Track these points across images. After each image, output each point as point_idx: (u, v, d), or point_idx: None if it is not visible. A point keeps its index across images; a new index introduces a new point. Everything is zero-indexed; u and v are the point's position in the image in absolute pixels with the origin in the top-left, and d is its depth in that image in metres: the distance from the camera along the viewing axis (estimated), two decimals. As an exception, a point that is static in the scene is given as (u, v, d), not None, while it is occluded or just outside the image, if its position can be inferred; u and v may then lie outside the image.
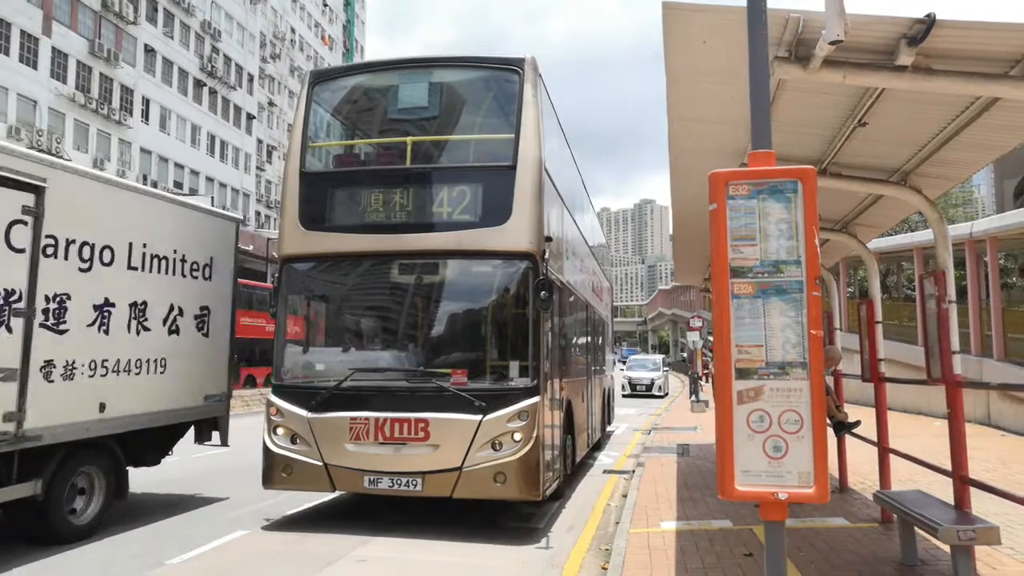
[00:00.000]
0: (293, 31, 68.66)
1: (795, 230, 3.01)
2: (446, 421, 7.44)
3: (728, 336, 3.03)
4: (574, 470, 10.47)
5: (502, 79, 8.49)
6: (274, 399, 8.06)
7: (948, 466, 5.31)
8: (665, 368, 38.76)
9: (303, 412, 7.80)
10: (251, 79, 59.76)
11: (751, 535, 6.69)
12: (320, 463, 7.68)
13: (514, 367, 7.73)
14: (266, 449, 7.98)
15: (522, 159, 7.80)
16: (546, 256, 7.77)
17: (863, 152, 5.97)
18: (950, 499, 5.33)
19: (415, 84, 8.59)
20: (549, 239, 8.01)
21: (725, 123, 5.71)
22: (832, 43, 3.69)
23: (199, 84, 52.54)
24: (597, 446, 14.41)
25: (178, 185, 49.65)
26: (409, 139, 8.38)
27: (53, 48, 39.47)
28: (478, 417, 7.38)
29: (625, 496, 9.12)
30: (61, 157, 37.94)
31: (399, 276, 8.29)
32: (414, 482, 7.45)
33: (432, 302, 8.34)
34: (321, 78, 9.20)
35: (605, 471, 11.99)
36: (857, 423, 8.02)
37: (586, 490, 10.30)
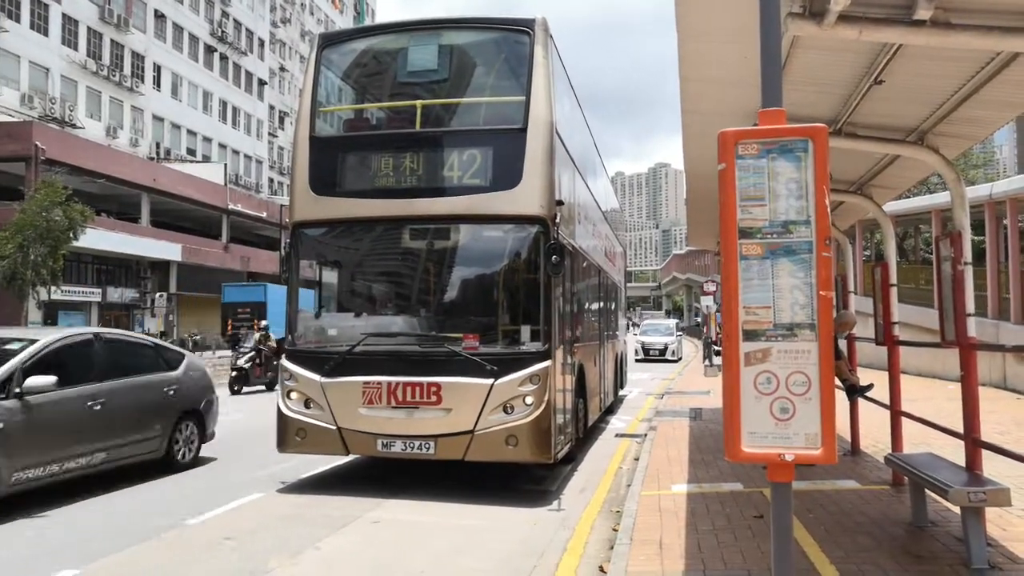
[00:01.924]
0: (303, -6, 67.93)
1: (805, 189, 2.96)
2: (458, 385, 7.46)
3: (736, 298, 3.00)
4: (586, 434, 10.53)
5: (512, 40, 8.39)
6: (288, 364, 8.12)
7: (961, 429, 5.29)
8: (679, 333, 38.75)
9: (316, 377, 7.84)
10: (262, 44, 59.38)
11: (761, 497, 6.72)
12: (334, 427, 7.75)
13: (525, 331, 7.72)
14: (280, 413, 8.06)
15: (533, 122, 7.71)
16: (557, 220, 7.71)
17: (879, 111, 5.85)
18: (962, 462, 5.31)
19: (424, 46, 8.50)
20: (560, 203, 7.95)
21: (738, 83, 5.59)
22: (847, -3, 3.59)
23: (210, 50, 52.30)
24: (610, 410, 14.47)
25: (191, 152, 49.73)
26: (419, 102, 8.30)
27: (63, 14, 39.33)
28: (490, 381, 7.40)
29: (637, 459, 9.17)
30: (74, 125, 38.05)
31: (410, 241, 8.29)
32: (427, 445, 7.51)
33: (443, 267, 8.37)
34: (330, 41, 9.12)
35: (617, 435, 12.06)
36: (870, 386, 8.00)
37: (598, 453, 10.37)
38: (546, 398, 7.43)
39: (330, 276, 8.79)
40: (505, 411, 7.40)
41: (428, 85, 8.53)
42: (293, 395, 8.01)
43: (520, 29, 8.13)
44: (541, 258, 7.59)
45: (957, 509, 5.00)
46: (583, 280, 10.55)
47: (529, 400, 7.39)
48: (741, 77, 5.28)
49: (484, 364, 7.42)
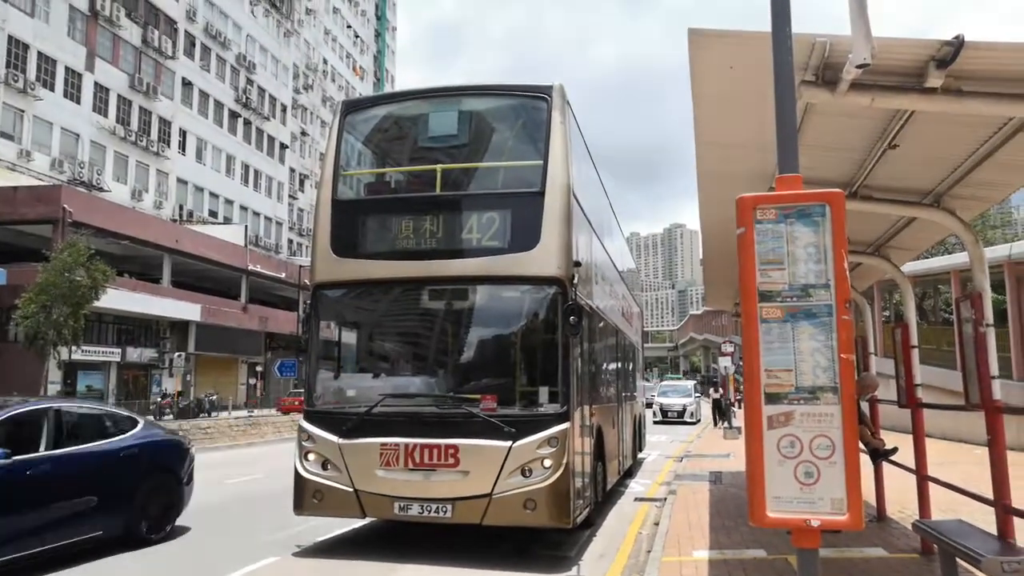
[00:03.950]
0: (325, 62, 70.09)
1: (823, 253, 2.99)
2: (476, 447, 7.39)
3: (757, 360, 3.00)
4: (605, 497, 10.35)
5: (530, 106, 8.54)
6: (305, 425, 8.09)
7: (990, 495, 5.17)
8: (697, 394, 38.34)
9: (334, 438, 7.82)
10: (284, 109, 61.00)
11: (786, 565, 6.55)
12: (351, 489, 7.68)
13: (543, 393, 7.68)
14: (297, 475, 8.01)
15: (550, 185, 7.82)
16: (575, 281, 7.73)
17: (894, 174, 5.90)
18: (992, 529, 5.17)
19: (444, 112, 8.70)
20: (578, 264, 8.01)
21: (753, 147, 5.69)
22: (859, 66, 3.68)
23: (234, 115, 53.76)
24: (628, 473, 14.23)
25: (213, 214, 50.65)
26: (439, 167, 8.43)
27: (95, 83, 40.71)
28: (508, 443, 7.32)
29: (657, 524, 8.98)
30: (101, 188, 38.99)
31: (429, 302, 8.35)
32: (444, 508, 7.41)
33: (461, 328, 8.37)
34: (353, 107, 9.33)
35: (637, 499, 11.84)
36: (894, 450, 7.84)
37: (617, 517, 10.17)
38: (565, 460, 7.32)
39: (349, 337, 8.81)
40: (523, 474, 7.29)
41: (448, 150, 8.68)
42: (311, 456, 7.96)
43: (538, 95, 8.29)
44: (559, 319, 7.59)
45: (990, 579, 4.84)
46: (600, 341, 10.54)
47: (548, 463, 7.28)
48: (757, 141, 5.37)
49: (502, 426, 7.36)
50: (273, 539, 8.64)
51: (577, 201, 8.34)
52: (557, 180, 7.86)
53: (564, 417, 7.48)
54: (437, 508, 7.43)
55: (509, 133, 9.11)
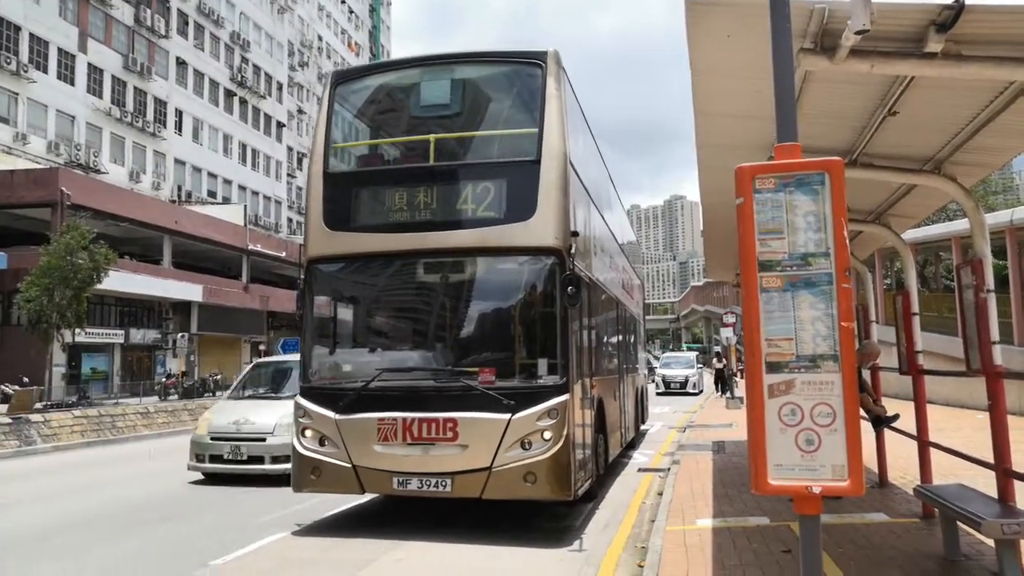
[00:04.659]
0: (320, 39, 69.43)
1: (823, 222, 2.99)
2: (474, 420, 7.34)
3: (758, 330, 3.01)
4: (607, 469, 10.41)
5: (524, 73, 8.41)
6: (302, 401, 8.04)
7: (991, 459, 5.21)
8: (699, 365, 38.50)
9: (331, 414, 7.77)
10: (280, 87, 60.54)
11: (789, 531, 6.62)
12: (349, 465, 7.65)
13: (542, 365, 7.59)
14: (295, 452, 7.99)
15: (546, 153, 7.69)
16: (572, 251, 7.62)
17: (894, 141, 5.87)
18: (993, 492, 5.22)
19: (437, 81, 8.52)
20: (575, 234, 7.89)
21: (752, 117, 5.66)
22: (858, 32, 3.64)
23: (230, 94, 53.37)
24: (631, 445, 14.33)
25: (211, 194, 50.51)
26: (432, 137, 8.28)
27: (89, 64, 40.39)
28: (507, 416, 7.26)
29: (660, 494, 9.07)
30: (98, 170, 38.85)
31: (424, 275, 8.23)
32: (443, 483, 7.37)
33: (458, 300, 8.29)
34: (343, 78, 9.14)
35: (640, 469, 11.94)
36: (895, 417, 7.90)
37: (621, 488, 10.28)
38: (565, 433, 7.28)
39: (344, 312, 8.72)
40: (523, 447, 7.24)
41: (441, 119, 8.53)
42: (308, 432, 7.92)
43: (532, 62, 8.14)
44: (557, 290, 7.50)
45: (991, 542, 4.91)
46: (600, 313, 10.48)
47: (548, 435, 7.23)
48: (755, 111, 5.34)
49: (501, 399, 7.30)
50: (274, 517, 8.68)
51: (574, 170, 8.23)
52: (553, 148, 7.73)
53: (564, 389, 7.41)
54: (436, 482, 7.38)
55: (503, 101, 8.95)
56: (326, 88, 8.74)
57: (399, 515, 8.83)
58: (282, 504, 9.25)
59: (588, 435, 8.45)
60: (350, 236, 8.12)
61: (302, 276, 8.39)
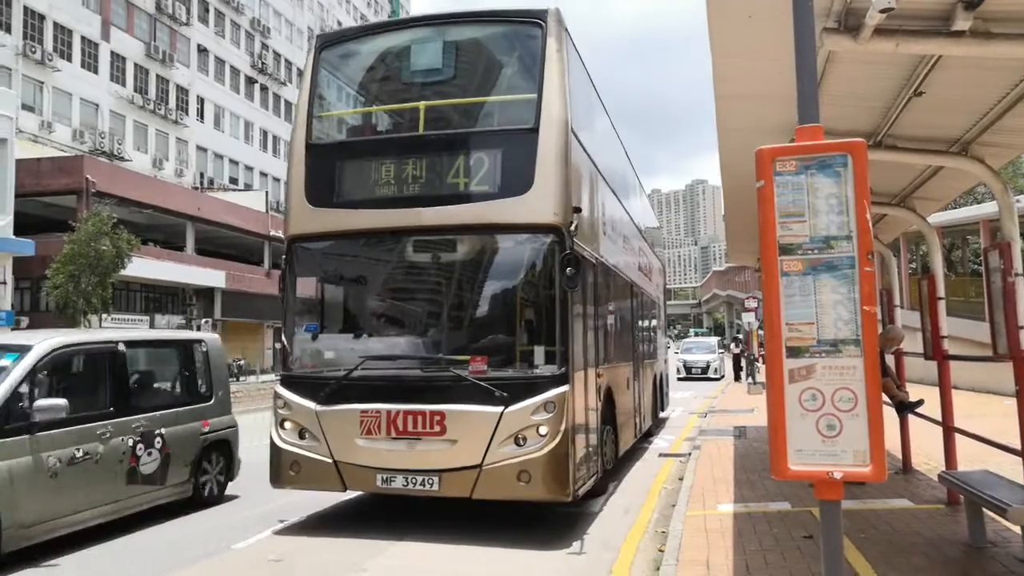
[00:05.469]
0: (339, 24, 69.45)
1: (845, 205, 2.94)
2: (464, 413, 6.73)
3: (778, 314, 2.98)
4: (617, 464, 9.67)
5: (523, 34, 7.75)
6: (281, 391, 7.46)
7: (1017, 445, 5.14)
8: (720, 350, 38.32)
9: (311, 405, 7.19)
10: (300, 74, 60.70)
11: (810, 517, 6.59)
12: (330, 460, 7.07)
13: (539, 353, 6.97)
14: (273, 445, 7.41)
15: (545, 121, 7.00)
16: (574, 229, 6.97)
17: (920, 123, 5.77)
18: (1019, 479, 5.16)
19: (428, 44, 7.87)
20: (578, 210, 7.24)
21: (773, 99, 5.58)
22: (883, 11, 3.58)
23: (251, 81, 53.66)
24: (649, 433, 13.86)
25: (233, 181, 50.92)
26: (422, 104, 7.60)
27: (112, 52, 40.78)
28: (499, 409, 6.64)
29: (681, 479, 9.06)
30: (122, 158, 39.28)
31: (412, 255, 7.71)
32: (430, 480, 6.77)
33: (449, 283, 7.70)
34: (328, 42, 8.39)
35: (661, 454, 11.93)
36: (920, 402, 7.81)
37: (641, 474, 10.27)
38: (563, 428, 6.64)
39: (328, 294, 8.18)
40: (516, 443, 6.62)
41: (432, 85, 7.85)
42: (287, 425, 7.35)
43: (531, 21, 7.46)
44: (556, 271, 6.86)
45: (1017, 529, 4.85)
46: (612, 296, 9.74)
47: (543, 430, 6.61)
48: (777, 93, 5.27)
49: (492, 390, 6.66)
50: (253, 514, 8.09)
51: (578, 139, 7.55)
52: (553, 115, 7.04)
53: (562, 379, 6.78)
54: (423, 480, 6.80)
55: (500, 64, 8.29)
56: (310, 53, 8.15)
57: (390, 508, 8.22)
58: (270, 499, 8.42)
59: (592, 429, 7.77)
60: (334, 213, 7.52)
61: (283, 256, 7.83)
